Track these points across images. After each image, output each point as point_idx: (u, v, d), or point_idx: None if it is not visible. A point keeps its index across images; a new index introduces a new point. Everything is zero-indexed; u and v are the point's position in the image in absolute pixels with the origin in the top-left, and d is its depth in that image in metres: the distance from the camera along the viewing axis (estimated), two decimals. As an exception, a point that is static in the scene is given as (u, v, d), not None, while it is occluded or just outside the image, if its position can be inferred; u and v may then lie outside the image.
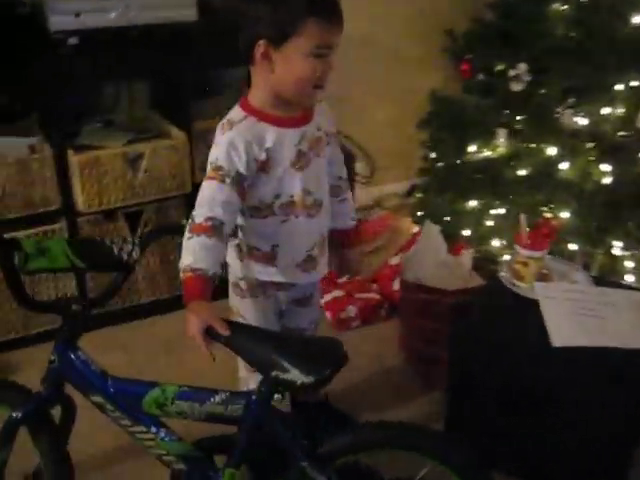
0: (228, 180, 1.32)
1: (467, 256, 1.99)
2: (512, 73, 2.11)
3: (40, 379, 1.33)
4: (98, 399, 1.30)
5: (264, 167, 1.37)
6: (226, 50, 1.64)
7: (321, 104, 1.49)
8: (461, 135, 2.27)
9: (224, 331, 1.20)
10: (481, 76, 2.27)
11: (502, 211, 2.23)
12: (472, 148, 2.28)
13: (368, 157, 2.96)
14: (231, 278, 1.56)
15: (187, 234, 1.29)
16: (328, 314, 2.31)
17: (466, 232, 2.32)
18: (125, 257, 1.31)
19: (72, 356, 1.30)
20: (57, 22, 1.89)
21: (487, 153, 2.23)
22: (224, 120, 1.37)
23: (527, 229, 1.73)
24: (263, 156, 1.35)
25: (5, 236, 1.91)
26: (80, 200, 2.03)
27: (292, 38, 1.27)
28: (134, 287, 2.24)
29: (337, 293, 2.35)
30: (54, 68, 1.95)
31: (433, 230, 2.03)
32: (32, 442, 1.34)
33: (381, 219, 2.80)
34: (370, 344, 2.24)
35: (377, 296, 2.34)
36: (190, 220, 1.30)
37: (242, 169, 1.33)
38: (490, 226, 2.28)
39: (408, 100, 2.82)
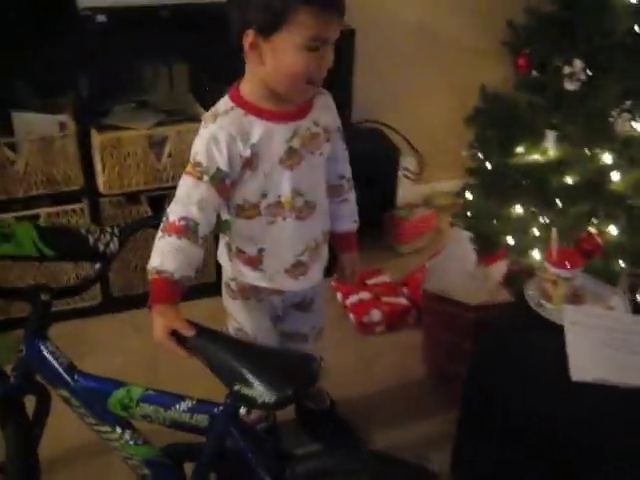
0: (206, 177, 1.22)
1: (497, 269, 1.83)
2: (567, 70, 1.91)
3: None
4: (64, 393, 1.25)
5: (249, 163, 1.27)
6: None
7: (324, 96, 1.37)
8: (508, 135, 2.08)
9: (188, 333, 1.13)
10: (535, 72, 2.08)
11: (547, 220, 2.04)
12: (519, 150, 2.10)
13: (416, 152, 2.81)
14: (223, 278, 1.47)
15: (159, 233, 1.21)
16: (352, 316, 2.20)
17: (509, 240, 2.15)
18: (101, 248, 1.24)
19: (40, 347, 1.25)
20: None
21: (534, 156, 2.04)
22: (210, 111, 1.28)
23: (559, 244, 1.56)
24: (247, 152, 1.25)
25: (21, 214, 1.94)
26: (101, 181, 2.00)
27: (282, 28, 1.15)
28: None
29: (364, 295, 2.23)
30: (83, 45, 1.92)
31: (462, 237, 1.88)
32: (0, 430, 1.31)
33: (425, 219, 2.65)
34: (392, 352, 2.12)
35: (405, 302, 2.20)
36: (164, 217, 1.22)
37: (223, 166, 1.23)
38: (534, 236, 2.11)
39: (464, 94, 2.65)
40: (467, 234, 1.90)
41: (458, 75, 2.71)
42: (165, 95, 2.31)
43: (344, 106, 2.21)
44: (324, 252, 1.46)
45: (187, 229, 1.21)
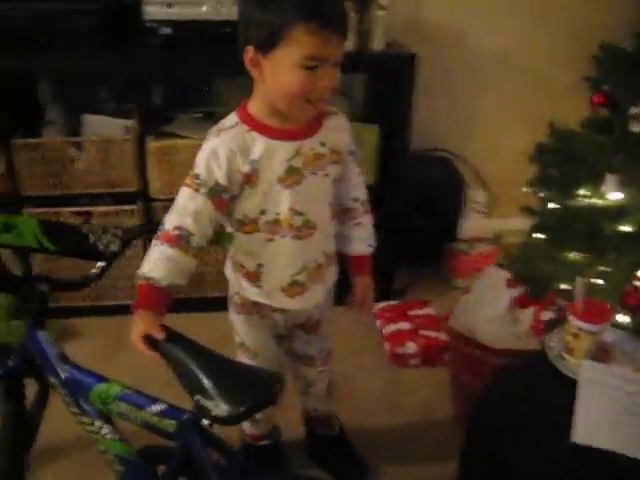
0: (203, 190, 1.24)
1: (528, 314, 1.72)
2: (633, 111, 1.79)
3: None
4: (53, 380, 1.31)
5: (249, 180, 1.27)
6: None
7: (336, 117, 1.35)
8: (569, 175, 1.98)
9: (158, 336, 1.15)
10: (606, 111, 1.96)
11: (602, 269, 1.91)
12: (580, 192, 1.98)
13: (485, 185, 2.71)
14: (229, 291, 1.48)
15: (154, 240, 1.24)
16: (386, 346, 2.15)
17: (561, 286, 2.03)
18: (101, 247, 1.29)
19: (37, 334, 1.31)
20: (151, 12, 1.95)
21: (593, 200, 1.91)
22: (216, 125, 1.30)
23: (585, 295, 1.45)
24: (247, 168, 1.25)
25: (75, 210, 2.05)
26: (155, 185, 2.08)
27: (280, 45, 1.15)
28: (202, 279, 2.26)
29: (403, 325, 2.18)
30: (149, 56, 2.02)
31: (498, 277, 1.78)
32: (-2, 408, 1.39)
33: (485, 255, 2.55)
34: (423, 388, 2.04)
35: (445, 337, 2.12)
36: (161, 225, 1.25)
37: (221, 180, 1.24)
38: (591, 284, 1.97)
39: (540, 128, 2.54)
40: (505, 275, 1.80)
41: (536, 108, 2.59)
42: (231, 108, 2.37)
43: (400, 132, 2.19)
44: (327, 274, 1.43)
45: (180, 239, 1.23)
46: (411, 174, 2.48)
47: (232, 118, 1.29)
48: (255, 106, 1.28)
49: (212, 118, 2.32)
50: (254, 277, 1.37)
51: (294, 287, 1.37)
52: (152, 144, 2.05)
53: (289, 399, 1.67)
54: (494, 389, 1.48)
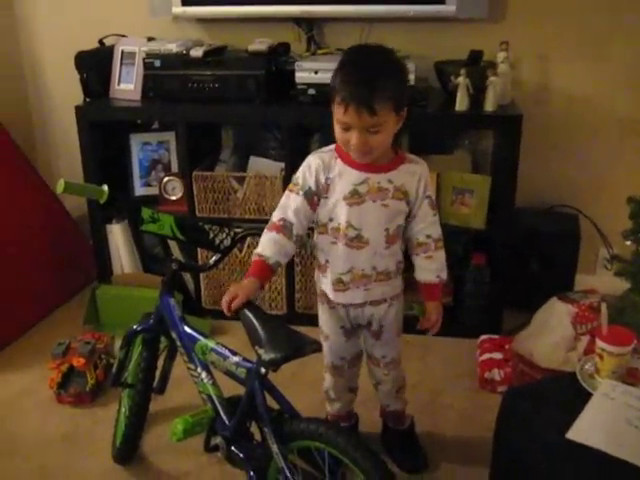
0: (301, 192, 1.66)
1: (583, 343, 1.87)
2: None
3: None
4: (174, 335, 1.79)
5: (325, 191, 1.67)
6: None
7: (413, 165, 1.68)
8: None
9: (235, 305, 1.57)
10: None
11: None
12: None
13: (606, 242, 2.80)
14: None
15: (265, 230, 1.67)
16: (478, 370, 2.37)
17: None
18: (217, 242, 1.77)
19: (168, 300, 1.81)
20: (301, 77, 2.47)
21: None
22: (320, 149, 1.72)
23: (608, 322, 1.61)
24: (324, 181, 1.65)
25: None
26: (294, 214, 2.56)
27: (333, 101, 1.56)
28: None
29: (495, 355, 2.38)
30: (298, 110, 2.52)
31: (563, 311, 1.95)
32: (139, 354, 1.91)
33: (590, 307, 2.63)
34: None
35: (528, 370, 2.28)
36: (270, 220, 1.68)
37: (312, 186, 1.66)
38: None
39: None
40: (571, 311, 1.96)
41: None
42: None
43: (506, 188, 2.45)
44: (377, 287, 1.74)
45: (284, 227, 1.66)
46: (534, 226, 2.70)
47: (331, 146, 1.70)
48: None
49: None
50: (323, 269, 1.76)
51: (339, 284, 1.74)
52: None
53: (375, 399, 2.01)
54: (524, 391, 1.68)
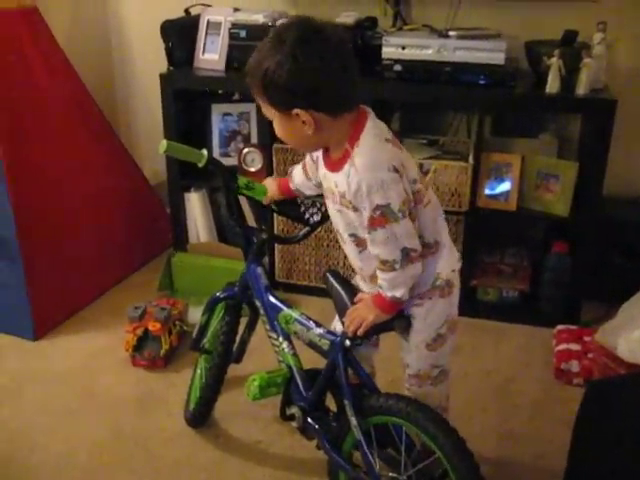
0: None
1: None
2: None
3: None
4: (258, 304, 1.80)
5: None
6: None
7: (351, 167, 1.39)
8: None
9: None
10: None
11: None
12: None
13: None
14: None
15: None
16: (554, 360, 2.31)
17: None
18: (307, 216, 1.77)
19: (255, 268, 1.81)
20: (388, 52, 2.43)
21: None
22: None
23: None
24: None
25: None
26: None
27: None
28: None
29: (573, 346, 2.32)
30: (384, 87, 2.49)
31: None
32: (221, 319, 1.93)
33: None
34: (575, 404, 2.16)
35: (611, 364, 2.22)
36: None
37: None
38: None
39: None
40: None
41: None
42: (455, 138, 2.78)
43: (594, 176, 2.37)
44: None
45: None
46: (620, 216, 2.62)
47: None
48: None
49: (435, 145, 2.73)
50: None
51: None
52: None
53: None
54: (611, 385, 1.63)
